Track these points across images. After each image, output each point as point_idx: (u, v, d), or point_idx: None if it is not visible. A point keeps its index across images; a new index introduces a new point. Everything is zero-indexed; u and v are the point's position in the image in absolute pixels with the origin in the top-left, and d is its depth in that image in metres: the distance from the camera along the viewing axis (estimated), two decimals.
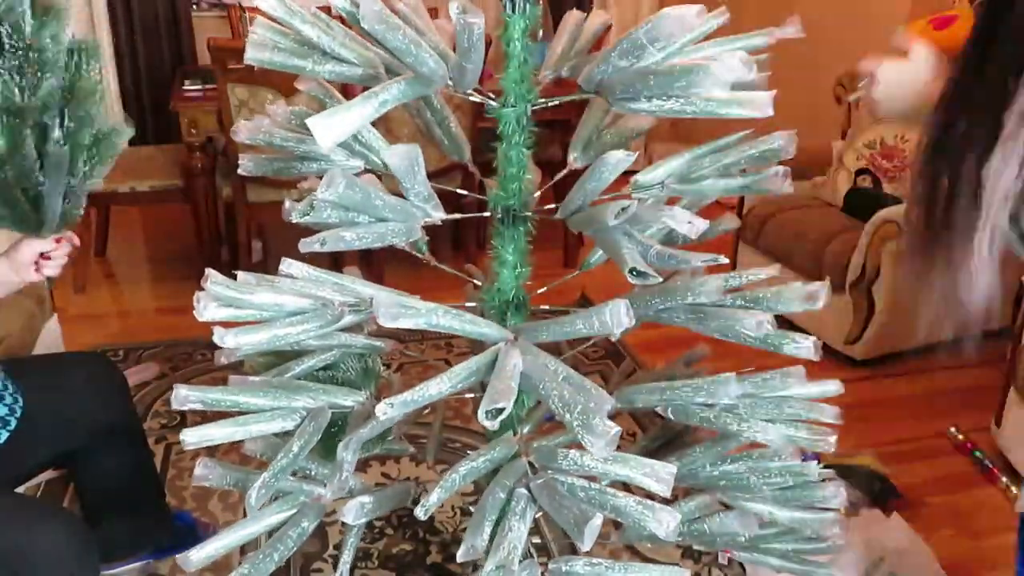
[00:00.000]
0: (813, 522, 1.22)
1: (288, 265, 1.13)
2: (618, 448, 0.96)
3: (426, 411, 1.29)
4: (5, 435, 1.50)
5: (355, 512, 1.17)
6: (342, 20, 1.08)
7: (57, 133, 1.34)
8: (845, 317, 2.86)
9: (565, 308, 1.17)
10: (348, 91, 1.64)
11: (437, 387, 1.01)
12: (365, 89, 1.00)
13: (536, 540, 1.98)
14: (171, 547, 1.86)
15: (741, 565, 1.97)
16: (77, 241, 1.53)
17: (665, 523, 0.95)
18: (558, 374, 1.00)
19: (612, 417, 0.94)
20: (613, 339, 1.12)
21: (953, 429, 2.54)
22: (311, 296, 1.11)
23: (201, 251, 3.45)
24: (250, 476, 1.22)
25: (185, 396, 1.11)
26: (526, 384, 1.01)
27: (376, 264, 3.36)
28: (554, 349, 1.09)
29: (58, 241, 1.47)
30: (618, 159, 1.04)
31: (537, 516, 1.07)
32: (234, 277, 1.11)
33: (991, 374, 2.75)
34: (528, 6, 1.08)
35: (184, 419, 2.46)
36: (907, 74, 1.11)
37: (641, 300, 1.13)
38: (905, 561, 1.96)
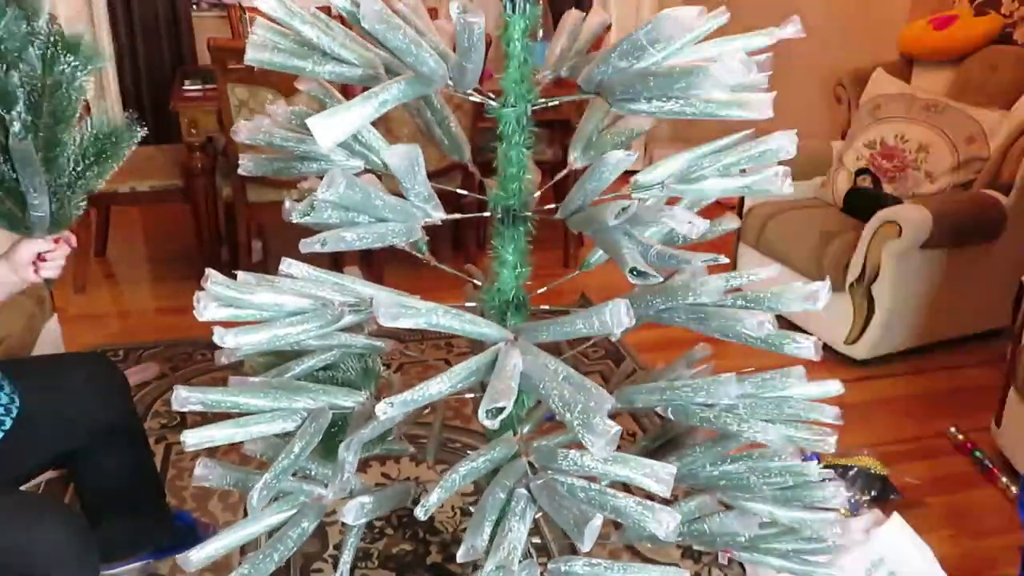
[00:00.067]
0: (813, 522, 1.22)
1: (288, 265, 1.13)
2: (618, 448, 0.96)
3: (426, 411, 1.29)
4: (0, 434, 1.50)
5: (355, 512, 1.17)
6: (342, 20, 1.08)
7: (16, 127, 1.31)
8: (845, 317, 2.86)
9: (565, 308, 1.17)
10: (348, 91, 1.64)
11: (437, 387, 1.02)
12: (365, 89, 1.00)
13: (536, 540, 1.98)
14: (171, 547, 1.86)
15: (741, 565, 1.97)
16: (74, 242, 1.52)
17: (665, 523, 0.95)
18: (558, 374, 1.00)
19: (612, 417, 0.94)
20: (613, 339, 1.12)
21: (953, 429, 2.54)
22: (311, 296, 1.11)
23: (201, 251, 3.45)
24: (250, 476, 1.22)
25: (185, 397, 1.11)
26: (526, 384, 1.01)
27: (376, 264, 3.36)
28: (554, 349, 1.09)
29: (56, 242, 1.47)
30: (618, 159, 1.04)
31: (537, 516, 1.07)
32: (234, 277, 1.11)
33: (991, 374, 2.75)
34: (528, 6, 1.08)
35: (184, 419, 2.46)
36: None
37: (641, 300, 1.13)
38: (905, 561, 1.96)
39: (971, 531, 2.14)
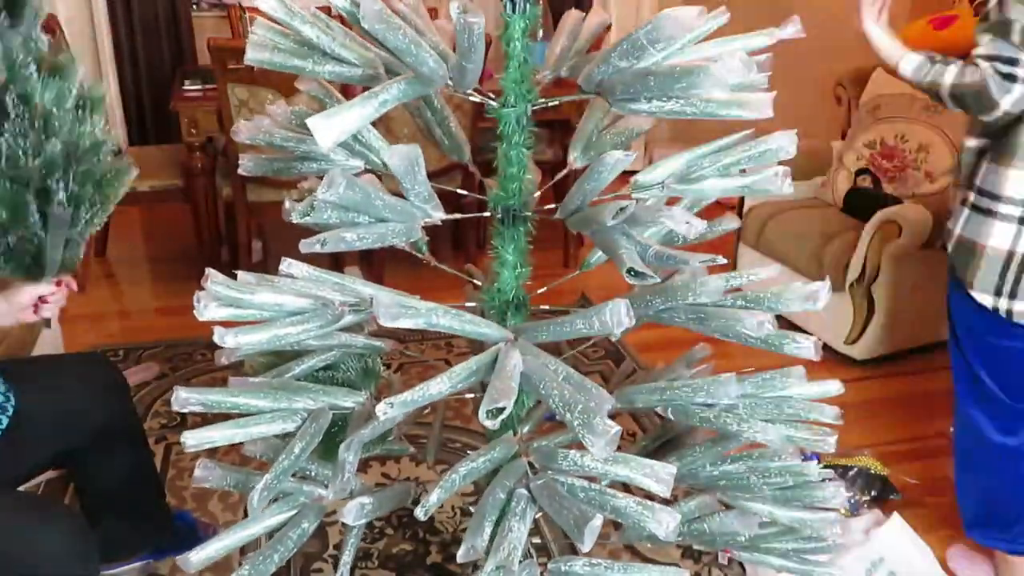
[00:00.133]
0: (813, 522, 1.22)
1: (288, 265, 1.13)
2: (618, 448, 0.96)
3: (426, 411, 1.29)
4: None
5: (355, 513, 1.17)
6: (342, 20, 1.08)
7: (61, 195, 1.37)
8: (845, 317, 2.86)
9: (565, 308, 1.17)
10: (348, 91, 1.64)
11: (437, 387, 1.01)
12: (365, 89, 1.00)
13: (536, 540, 1.98)
14: (171, 547, 1.86)
15: (741, 565, 1.97)
16: (75, 286, 1.55)
17: (665, 523, 0.95)
18: (558, 374, 1.00)
19: (612, 417, 0.94)
20: (613, 339, 1.12)
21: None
22: (311, 296, 1.11)
23: (201, 251, 3.45)
24: (250, 477, 1.22)
25: (185, 398, 1.11)
26: (526, 384, 1.01)
27: (376, 264, 3.36)
28: (554, 349, 1.09)
29: (58, 284, 1.50)
30: (617, 159, 1.04)
31: (537, 516, 1.07)
32: (234, 277, 1.11)
33: None
34: (528, 6, 1.08)
35: (184, 419, 2.46)
36: None
37: (641, 300, 1.13)
38: (905, 561, 1.96)
39: None
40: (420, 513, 1.05)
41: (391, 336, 1.34)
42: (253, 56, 1.02)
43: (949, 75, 1.72)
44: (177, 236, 3.89)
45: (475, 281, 1.35)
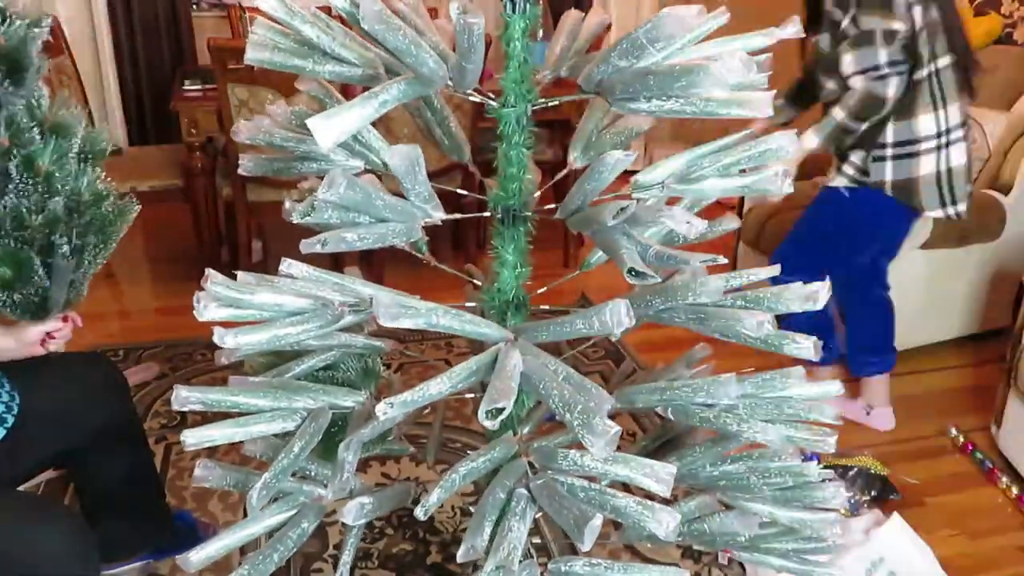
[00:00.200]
0: (813, 522, 1.22)
1: (288, 265, 1.13)
2: (618, 448, 0.96)
3: (426, 411, 1.29)
4: (2, 432, 1.50)
5: (355, 512, 1.17)
6: (342, 20, 1.08)
7: (65, 248, 1.40)
8: None
9: (565, 308, 1.17)
10: (348, 91, 1.64)
11: (437, 387, 1.01)
12: (365, 89, 1.00)
13: (536, 540, 1.98)
14: (171, 547, 1.86)
15: (741, 565, 1.97)
16: (80, 322, 1.59)
17: (665, 523, 0.95)
18: (558, 374, 1.00)
19: (612, 417, 0.94)
20: (613, 339, 1.12)
21: (953, 429, 2.54)
22: (311, 296, 1.11)
23: (201, 251, 3.45)
24: (250, 477, 1.22)
25: (185, 397, 1.11)
26: (526, 384, 1.01)
27: (376, 264, 3.36)
28: (554, 349, 1.09)
29: (64, 320, 1.54)
30: (617, 159, 1.04)
31: (537, 516, 1.07)
32: (234, 277, 1.11)
33: (991, 374, 2.75)
34: (528, 6, 1.08)
35: (184, 419, 2.46)
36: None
37: (641, 300, 1.13)
38: (905, 561, 1.96)
39: (971, 531, 2.14)
40: (420, 513, 1.05)
41: (391, 336, 1.34)
42: (253, 56, 1.02)
43: (838, 113, 2.10)
44: (177, 236, 3.89)
45: (475, 281, 1.35)
